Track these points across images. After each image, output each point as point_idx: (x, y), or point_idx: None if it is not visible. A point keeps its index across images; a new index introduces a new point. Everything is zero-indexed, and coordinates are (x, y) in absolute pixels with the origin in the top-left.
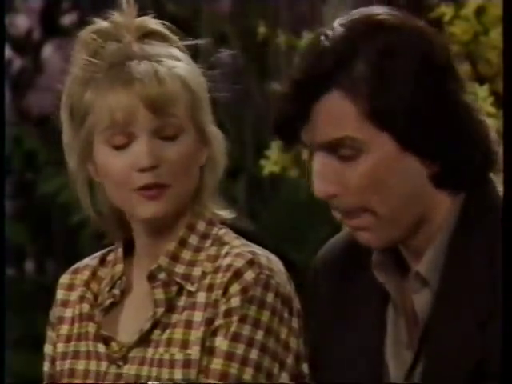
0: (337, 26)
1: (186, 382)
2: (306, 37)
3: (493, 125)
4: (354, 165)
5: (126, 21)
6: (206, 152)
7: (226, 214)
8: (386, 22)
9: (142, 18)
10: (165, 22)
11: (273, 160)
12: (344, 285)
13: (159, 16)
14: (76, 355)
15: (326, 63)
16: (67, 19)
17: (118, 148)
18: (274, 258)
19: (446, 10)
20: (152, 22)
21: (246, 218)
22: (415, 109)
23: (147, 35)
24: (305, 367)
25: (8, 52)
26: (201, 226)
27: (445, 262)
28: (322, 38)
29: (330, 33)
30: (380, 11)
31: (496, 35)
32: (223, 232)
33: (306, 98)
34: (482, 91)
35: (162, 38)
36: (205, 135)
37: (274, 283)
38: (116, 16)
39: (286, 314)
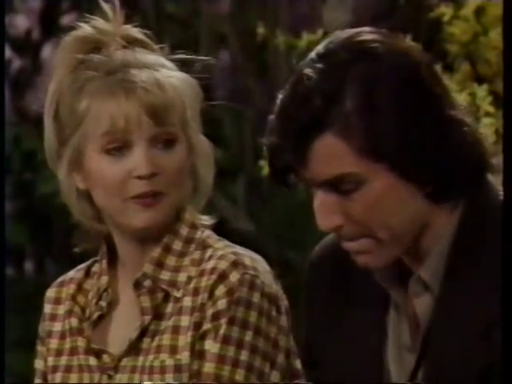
0: (316, 59)
1: None
2: (305, 37)
3: (491, 124)
4: (355, 196)
5: (114, 29)
6: (192, 161)
7: (207, 220)
8: (368, 50)
9: (125, 26)
10: (145, 31)
11: None
12: (340, 284)
13: (159, 16)
14: (68, 369)
15: (314, 106)
16: (67, 19)
17: (114, 155)
18: (257, 257)
19: (446, 11)
20: (135, 31)
21: (246, 219)
22: (408, 137)
23: (134, 42)
24: (297, 363)
25: (7, 52)
26: (184, 230)
27: (446, 266)
28: (304, 77)
29: (310, 71)
30: (360, 36)
31: (495, 35)
32: (206, 235)
33: (299, 144)
34: (481, 91)
35: (147, 47)
36: (192, 145)
37: (260, 283)
38: (101, 23)
39: (273, 313)
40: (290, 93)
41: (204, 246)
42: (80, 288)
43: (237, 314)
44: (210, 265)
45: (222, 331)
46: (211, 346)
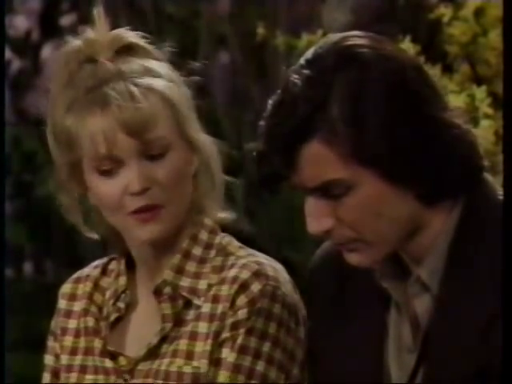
0: (304, 64)
1: None
2: (305, 38)
3: (491, 125)
4: (345, 200)
5: (99, 36)
6: (196, 161)
7: (227, 215)
8: (355, 56)
9: (116, 30)
10: (140, 33)
11: None
12: (343, 285)
13: (159, 16)
14: (83, 369)
15: (299, 113)
16: (66, 20)
17: (107, 174)
18: (279, 266)
19: (445, 11)
20: (127, 35)
21: (245, 219)
22: (395, 141)
23: (122, 49)
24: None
25: (7, 53)
26: (203, 235)
27: (445, 266)
28: (290, 84)
29: (297, 77)
30: (347, 41)
31: (495, 36)
32: (227, 241)
33: (287, 150)
34: (480, 92)
35: (138, 51)
36: (194, 145)
37: (281, 294)
38: (89, 32)
39: (292, 325)
40: (277, 99)
41: (226, 252)
42: (97, 286)
43: (256, 325)
44: (231, 273)
45: (239, 341)
46: (228, 355)
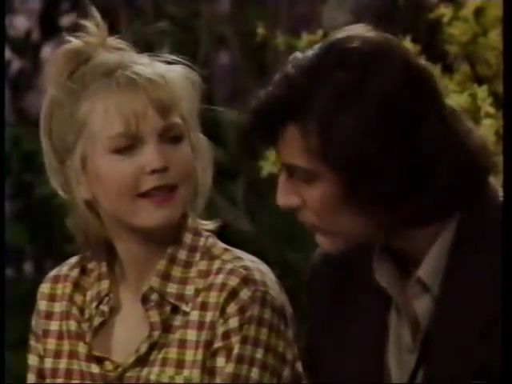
0: (309, 55)
1: None
2: (305, 38)
3: (492, 125)
4: (308, 188)
5: (99, 39)
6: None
7: (209, 224)
8: (353, 59)
9: (109, 37)
10: (125, 43)
11: (272, 161)
12: (343, 285)
13: (159, 16)
14: (69, 374)
15: (284, 96)
16: (66, 20)
17: (124, 153)
18: (265, 267)
19: (445, 11)
20: (118, 41)
21: (245, 220)
22: (364, 150)
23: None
24: (299, 367)
25: (7, 53)
26: (187, 238)
27: (445, 266)
28: (289, 69)
29: (295, 66)
30: (351, 42)
31: (495, 36)
32: (211, 243)
33: (269, 126)
34: (482, 92)
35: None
36: (192, 143)
37: (270, 298)
38: (87, 37)
39: (282, 327)
40: (273, 80)
41: (210, 255)
42: (77, 286)
43: (249, 333)
44: (219, 279)
45: (235, 351)
46: (225, 365)
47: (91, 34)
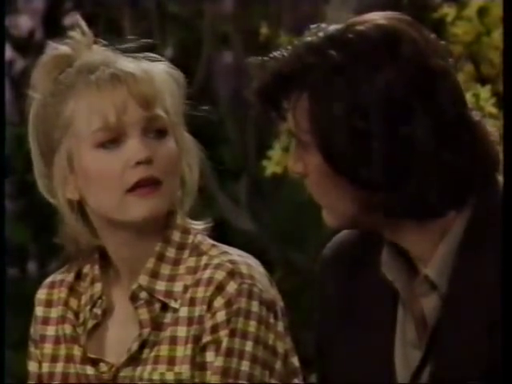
0: (323, 35)
1: None
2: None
3: (495, 125)
4: (305, 157)
5: (85, 46)
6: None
7: (199, 224)
8: (359, 50)
9: (94, 45)
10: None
11: (275, 160)
12: (352, 283)
13: (162, 16)
14: (65, 377)
15: (288, 67)
16: (70, 19)
17: (108, 147)
18: (253, 261)
19: (449, 11)
20: (104, 49)
21: (248, 219)
22: (350, 132)
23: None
24: (295, 361)
25: (10, 52)
26: (175, 236)
27: (454, 265)
28: (298, 43)
29: (307, 42)
30: (352, 31)
31: (498, 36)
32: (199, 240)
33: (276, 92)
34: (485, 92)
35: None
36: (177, 140)
37: (257, 291)
38: (73, 43)
39: (271, 320)
40: (282, 53)
41: (198, 252)
42: (72, 291)
43: (237, 326)
44: (206, 274)
45: (224, 344)
46: (215, 359)
47: (77, 42)
